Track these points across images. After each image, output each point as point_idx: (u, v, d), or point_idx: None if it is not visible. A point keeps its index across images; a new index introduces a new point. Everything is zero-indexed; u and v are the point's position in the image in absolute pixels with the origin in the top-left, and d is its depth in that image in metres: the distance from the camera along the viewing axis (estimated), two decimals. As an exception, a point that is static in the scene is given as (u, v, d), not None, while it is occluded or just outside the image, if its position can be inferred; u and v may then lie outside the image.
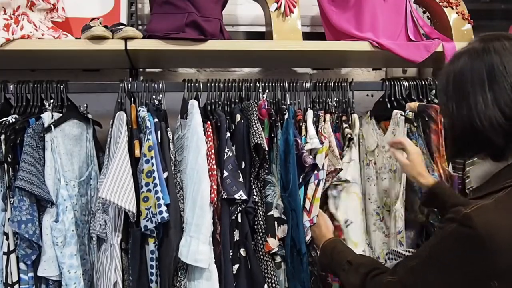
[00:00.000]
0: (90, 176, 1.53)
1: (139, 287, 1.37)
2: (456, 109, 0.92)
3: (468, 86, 0.90)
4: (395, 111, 1.57)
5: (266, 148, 1.45)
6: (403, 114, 1.54)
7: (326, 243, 1.33)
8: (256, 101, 1.55)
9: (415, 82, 1.67)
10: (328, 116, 1.57)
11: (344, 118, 1.61)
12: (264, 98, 1.56)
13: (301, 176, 1.46)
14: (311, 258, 1.46)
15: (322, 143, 1.49)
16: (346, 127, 1.57)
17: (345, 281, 1.16)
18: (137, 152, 1.39)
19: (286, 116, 1.50)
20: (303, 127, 1.52)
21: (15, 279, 1.34)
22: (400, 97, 1.65)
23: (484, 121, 0.87)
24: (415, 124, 1.53)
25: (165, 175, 1.39)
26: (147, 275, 1.38)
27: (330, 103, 1.62)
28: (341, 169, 1.50)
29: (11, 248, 1.34)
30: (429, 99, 1.65)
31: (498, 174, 0.91)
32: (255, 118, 1.48)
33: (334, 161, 1.50)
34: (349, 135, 1.53)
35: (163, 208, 1.32)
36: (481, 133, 0.88)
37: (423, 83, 1.67)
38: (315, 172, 1.45)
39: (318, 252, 1.35)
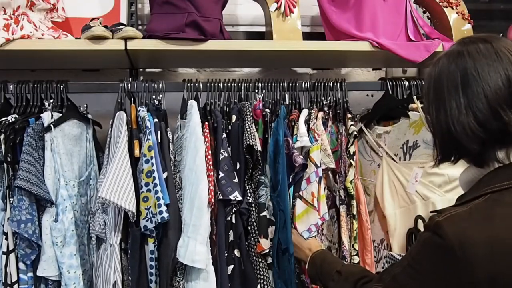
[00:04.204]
0: (90, 176, 1.53)
1: (138, 287, 1.37)
2: (435, 114, 0.91)
3: (445, 91, 0.88)
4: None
5: (259, 149, 1.45)
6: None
7: (315, 254, 1.32)
8: (251, 101, 1.55)
9: (415, 82, 1.67)
10: (320, 114, 1.56)
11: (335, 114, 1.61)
12: (260, 99, 1.56)
13: (291, 176, 1.46)
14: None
15: (316, 140, 1.49)
16: (352, 124, 1.55)
17: None
18: (136, 152, 1.39)
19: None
20: (295, 126, 1.52)
21: (14, 279, 1.34)
22: (401, 97, 1.65)
23: (457, 126, 0.86)
24: None
25: (164, 175, 1.39)
26: (147, 275, 1.38)
27: (324, 102, 1.61)
28: (333, 168, 1.50)
29: (11, 247, 1.34)
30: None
31: (480, 181, 0.88)
32: (249, 119, 1.48)
33: (326, 160, 1.50)
34: (354, 132, 1.53)
35: (163, 208, 1.32)
36: (456, 139, 0.87)
37: (423, 83, 1.66)
38: (315, 170, 1.45)
39: (307, 264, 1.34)
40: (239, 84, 1.58)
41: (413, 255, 0.88)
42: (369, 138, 1.67)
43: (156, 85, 1.54)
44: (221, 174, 1.41)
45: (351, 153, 1.52)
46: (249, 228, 1.46)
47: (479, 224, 0.80)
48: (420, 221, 1.39)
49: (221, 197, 1.40)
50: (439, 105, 0.89)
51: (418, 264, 0.86)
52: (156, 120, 1.44)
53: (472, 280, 0.78)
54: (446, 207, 0.88)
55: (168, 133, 1.48)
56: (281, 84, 1.60)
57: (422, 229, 1.19)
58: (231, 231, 1.44)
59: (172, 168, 1.45)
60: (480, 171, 0.90)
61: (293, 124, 1.53)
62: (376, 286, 0.96)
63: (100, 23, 1.46)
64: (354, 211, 1.51)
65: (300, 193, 1.47)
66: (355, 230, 1.50)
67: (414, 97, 1.57)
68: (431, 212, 0.92)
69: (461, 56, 0.88)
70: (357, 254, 1.50)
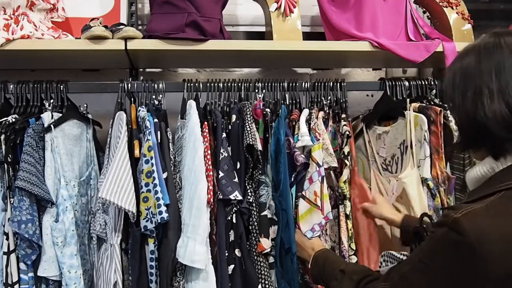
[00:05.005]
0: (90, 176, 1.54)
1: (138, 287, 1.37)
2: (462, 101, 0.92)
3: (476, 79, 0.90)
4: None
5: (260, 149, 1.45)
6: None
7: (318, 253, 1.32)
8: (251, 101, 1.56)
9: (415, 82, 1.67)
10: (321, 114, 1.57)
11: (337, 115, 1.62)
12: (260, 98, 1.56)
13: (293, 175, 1.46)
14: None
15: (317, 139, 1.49)
16: (344, 125, 1.56)
17: None
18: (136, 152, 1.40)
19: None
20: (296, 126, 1.52)
21: (15, 279, 1.34)
22: (401, 98, 1.65)
23: (488, 113, 0.87)
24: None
25: (164, 175, 1.39)
26: (147, 275, 1.38)
27: (324, 102, 1.62)
28: (335, 167, 1.51)
29: (11, 248, 1.34)
30: (429, 99, 1.66)
31: (492, 178, 0.89)
32: (249, 119, 1.48)
33: (328, 159, 1.50)
34: (347, 132, 1.53)
35: (163, 208, 1.32)
36: (483, 126, 0.88)
37: (423, 83, 1.67)
38: (317, 169, 1.45)
39: (309, 263, 1.34)
40: (239, 84, 1.58)
41: (424, 251, 0.88)
42: (368, 139, 1.68)
43: (156, 85, 1.54)
44: (221, 174, 1.41)
45: (346, 153, 1.52)
46: (250, 228, 1.46)
47: (496, 221, 0.80)
48: (426, 218, 1.39)
49: (221, 197, 1.40)
50: (467, 93, 0.91)
51: (432, 260, 0.85)
52: (156, 120, 1.44)
53: (488, 277, 0.78)
54: (459, 204, 0.88)
55: (168, 133, 1.48)
56: (281, 84, 1.61)
57: (427, 227, 1.20)
58: (231, 230, 1.44)
59: (172, 168, 1.45)
60: (491, 169, 0.90)
61: (294, 123, 1.54)
62: (383, 285, 0.95)
63: (100, 23, 1.46)
64: (348, 211, 1.51)
65: (303, 192, 1.47)
66: (350, 230, 1.51)
67: (407, 100, 1.59)
68: (442, 208, 0.93)
69: (497, 47, 0.90)
70: (354, 254, 1.50)
